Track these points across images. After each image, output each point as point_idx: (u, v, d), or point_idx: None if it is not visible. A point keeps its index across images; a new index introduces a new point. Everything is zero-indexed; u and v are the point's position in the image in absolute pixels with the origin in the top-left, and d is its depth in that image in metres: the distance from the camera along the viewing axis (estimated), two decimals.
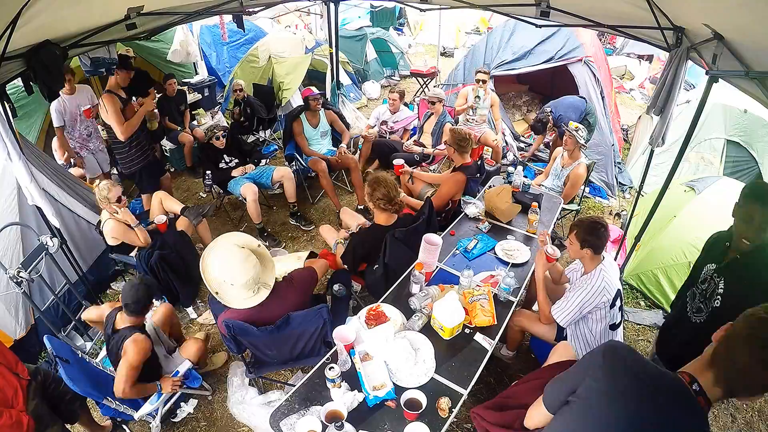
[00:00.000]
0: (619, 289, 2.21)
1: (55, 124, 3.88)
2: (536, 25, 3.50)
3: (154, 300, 2.24)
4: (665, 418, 1.06)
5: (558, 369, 1.96)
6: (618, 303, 2.22)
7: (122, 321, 2.23)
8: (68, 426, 2.27)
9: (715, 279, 1.95)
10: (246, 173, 4.05)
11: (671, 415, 1.06)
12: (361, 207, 4.34)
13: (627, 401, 1.09)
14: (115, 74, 3.31)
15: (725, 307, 1.88)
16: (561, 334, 2.38)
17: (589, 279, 2.18)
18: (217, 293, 2.02)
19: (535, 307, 2.76)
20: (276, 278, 2.14)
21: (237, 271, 1.96)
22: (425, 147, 4.63)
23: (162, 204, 3.42)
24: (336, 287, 2.53)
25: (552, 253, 2.39)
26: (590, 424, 1.14)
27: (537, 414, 1.37)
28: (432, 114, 4.64)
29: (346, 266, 2.74)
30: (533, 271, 2.56)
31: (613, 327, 2.26)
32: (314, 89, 4.29)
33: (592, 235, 2.15)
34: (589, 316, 2.22)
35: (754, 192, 1.85)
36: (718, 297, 1.91)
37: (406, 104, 5.41)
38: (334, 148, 4.54)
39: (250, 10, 4.10)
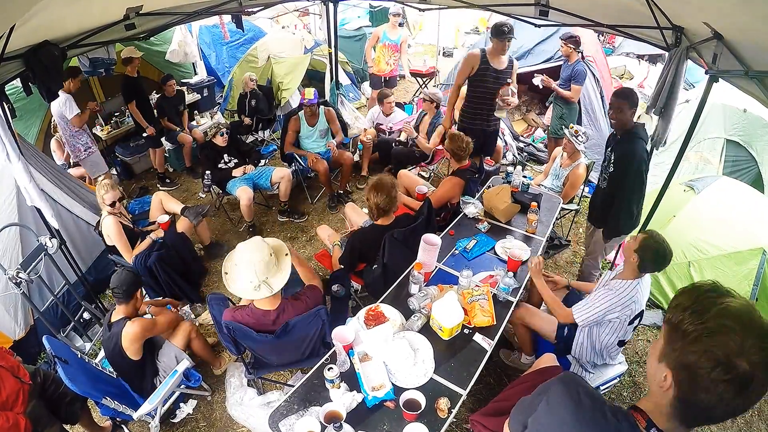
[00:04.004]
0: (642, 310, 2.18)
1: (75, 111, 3.88)
2: (535, 25, 3.50)
3: (142, 291, 2.27)
4: None
5: (546, 373, 1.95)
6: (636, 322, 2.20)
7: (116, 314, 2.30)
8: (69, 427, 2.27)
9: (610, 155, 2.80)
10: (246, 173, 4.05)
11: None
12: (341, 192, 4.57)
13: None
14: None
15: (615, 169, 2.73)
16: (561, 332, 2.38)
17: (622, 286, 2.12)
18: (226, 274, 2.04)
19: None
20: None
21: (246, 252, 1.98)
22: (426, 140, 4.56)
23: (162, 204, 3.43)
24: (335, 288, 2.53)
25: (518, 255, 2.45)
26: None
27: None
28: (426, 114, 4.61)
29: (342, 266, 2.74)
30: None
31: (621, 344, 2.25)
32: (312, 93, 4.19)
33: (651, 259, 2.06)
34: (607, 324, 2.19)
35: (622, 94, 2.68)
36: (612, 164, 2.74)
37: (400, 106, 5.38)
38: None
39: (249, 10, 4.10)
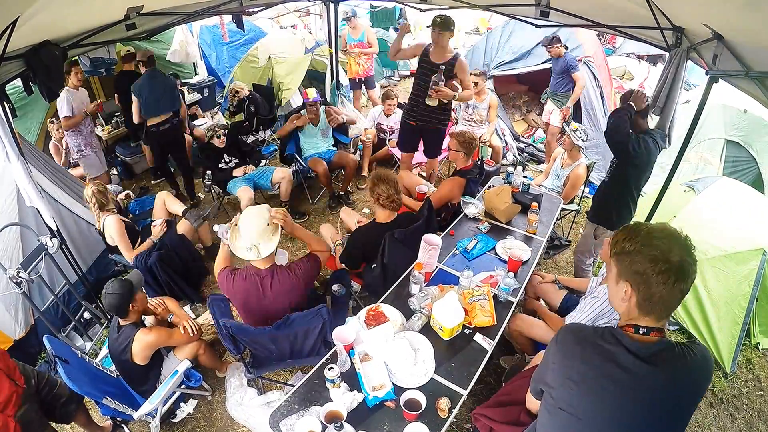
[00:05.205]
0: None
1: (64, 113, 3.76)
2: (536, 25, 3.50)
3: (136, 297, 2.27)
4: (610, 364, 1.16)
5: None
6: None
7: (124, 320, 2.30)
8: (65, 426, 2.26)
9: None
10: (247, 173, 4.05)
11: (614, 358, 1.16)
12: (342, 193, 4.54)
13: (579, 366, 1.21)
14: None
15: (616, 158, 2.79)
16: None
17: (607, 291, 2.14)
18: (231, 228, 2.23)
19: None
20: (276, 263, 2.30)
21: (247, 217, 2.17)
22: None
23: (165, 205, 3.42)
24: (335, 287, 2.53)
25: (519, 255, 2.48)
26: (561, 401, 1.26)
27: (529, 400, 1.57)
28: None
29: (344, 265, 2.74)
30: (529, 278, 2.55)
31: None
32: (313, 93, 4.25)
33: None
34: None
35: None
36: (615, 161, 2.82)
37: (401, 106, 5.38)
38: (334, 148, 4.54)
39: (250, 10, 4.11)
